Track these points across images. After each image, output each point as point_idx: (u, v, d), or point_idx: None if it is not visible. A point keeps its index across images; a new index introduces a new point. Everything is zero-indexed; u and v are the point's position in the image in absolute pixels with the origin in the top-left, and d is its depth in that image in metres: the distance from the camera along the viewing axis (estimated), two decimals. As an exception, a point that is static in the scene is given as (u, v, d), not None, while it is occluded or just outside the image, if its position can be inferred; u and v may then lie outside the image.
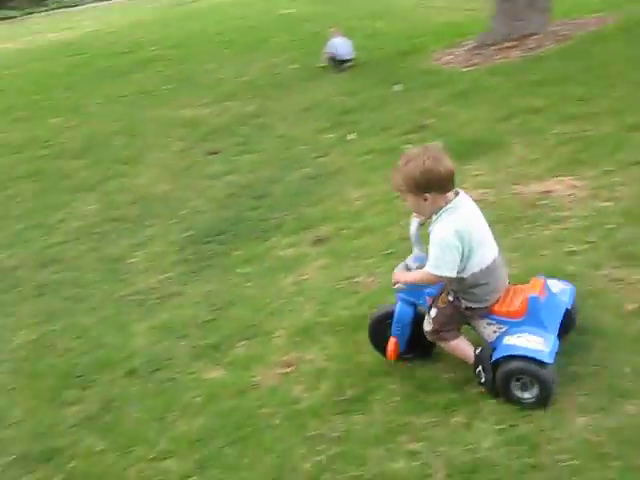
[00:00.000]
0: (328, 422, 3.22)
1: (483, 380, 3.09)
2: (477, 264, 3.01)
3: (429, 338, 3.25)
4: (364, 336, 3.59)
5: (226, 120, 9.06)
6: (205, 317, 4.43)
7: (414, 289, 3.27)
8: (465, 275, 3.03)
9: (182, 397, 3.68)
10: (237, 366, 3.83)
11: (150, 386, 3.85)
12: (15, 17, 37.67)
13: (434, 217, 3.02)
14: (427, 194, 2.96)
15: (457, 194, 3.03)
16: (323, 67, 10.49)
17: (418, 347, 3.41)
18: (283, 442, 3.17)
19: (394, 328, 3.37)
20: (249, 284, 4.77)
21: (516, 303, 3.06)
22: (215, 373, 3.83)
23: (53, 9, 39.16)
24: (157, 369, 3.99)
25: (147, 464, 3.30)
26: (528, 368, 2.94)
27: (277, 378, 3.65)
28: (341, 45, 10.35)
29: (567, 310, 3.21)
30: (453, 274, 2.98)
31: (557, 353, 2.97)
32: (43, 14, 37.20)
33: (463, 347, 3.18)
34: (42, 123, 10.47)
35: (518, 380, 2.99)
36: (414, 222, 3.25)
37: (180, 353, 4.09)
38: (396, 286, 3.29)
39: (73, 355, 4.33)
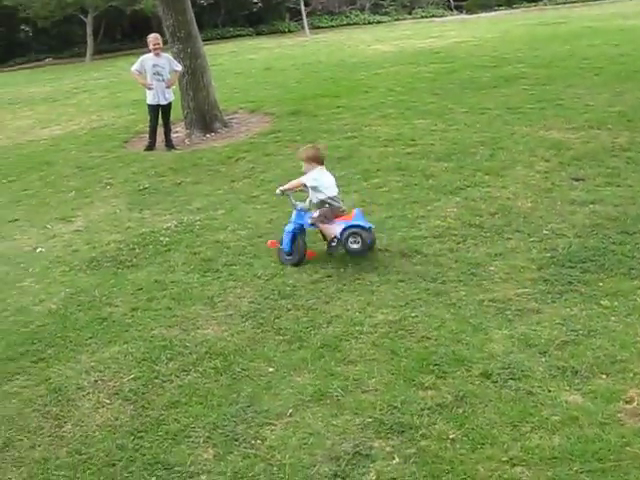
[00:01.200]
0: None
1: (333, 244, 6.10)
2: (328, 193, 6.09)
3: (312, 221, 6.15)
4: None
5: (594, 148, 8.79)
6: (565, 339, 4.38)
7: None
8: (324, 197, 6.09)
9: (539, 411, 3.71)
10: (599, 396, 3.76)
11: (505, 392, 3.93)
12: (384, 22, 40.17)
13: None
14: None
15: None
16: None
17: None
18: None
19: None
20: (613, 318, 4.63)
21: (349, 215, 6.01)
22: (574, 397, 3.80)
23: (420, 17, 41.05)
24: (513, 378, 4.06)
25: (498, 465, 3.39)
26: (358, 231, 5.86)
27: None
28: None
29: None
30: (309, 184, 6.11)
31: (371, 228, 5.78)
32: (409, 21, 39.17)
33: (330, 228, 6.05)
34: (409, 123, 11.04)
35: (354, 238, 5.87)
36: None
37: (538, 368, 4.11)
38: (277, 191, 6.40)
39: (431, 343, 4.56)
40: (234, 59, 21.83)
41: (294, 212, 6.28)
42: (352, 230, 5.90)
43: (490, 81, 14.08)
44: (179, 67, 11.29)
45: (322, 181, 6.19)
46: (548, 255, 5.80)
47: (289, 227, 6.21)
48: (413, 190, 7.80)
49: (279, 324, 5.07)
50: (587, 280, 5.25)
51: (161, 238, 7.18)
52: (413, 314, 4.97)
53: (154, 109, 11.23)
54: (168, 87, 11.17)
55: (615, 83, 12.95)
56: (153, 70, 11.04)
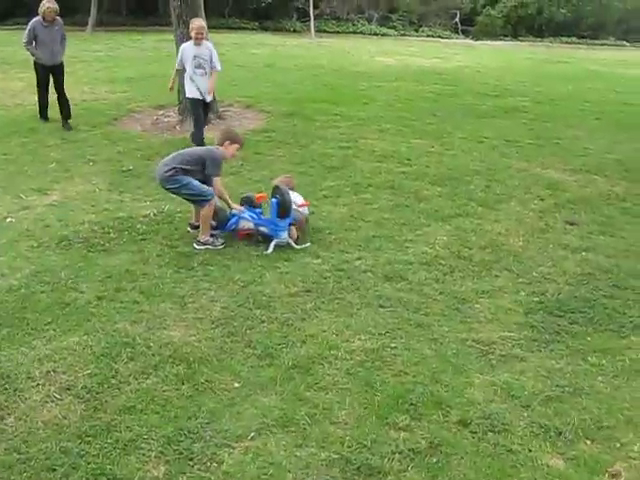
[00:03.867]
0: None
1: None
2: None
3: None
4: None
5: (590, 194, 8.65)
6: (549, 394, 4.16)
7: None
8: None
9: (517, 473, 3.49)
10: (582, 464, 3.53)
11: (483, 445, 3.70)
12: (390, 35, 40.03)
13: None
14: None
15: None
16: None
17: None
18: None
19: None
20: (600, 378, 4.42)
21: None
22: (556, 461, 3.58)
23: (426, 36, 40.97)
24: (492, 430, 3.83)
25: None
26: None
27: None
28: None
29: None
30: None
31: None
32: (415, 38, 39.06)
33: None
34: (406, 140, 10.84)
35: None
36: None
37: (519, 423, 3.89)
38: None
39: (408, 380, 4.32)
40: (236, 51, 21.48)
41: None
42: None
43: (491, 110, 13.95)
44: (219, 66, 9.78)
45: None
46: (536, 299, 5.60)
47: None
48: (404, 211, 7.58)
49: (250, 336, 4.80)
50: (575, 332, 5.04)
51: (138, 225, 6.87)
52: (392, 344, 4.72)
53: (196, 103, 9.70)
54: (210, 95, 9.72)
55: (615, 130, 12.87)
56: (195, 62, 9.52)
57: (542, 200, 8.24)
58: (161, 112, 12.41)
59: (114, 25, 30.41)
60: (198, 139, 9.51)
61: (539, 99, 15.62)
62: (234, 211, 6.58)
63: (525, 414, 3.96)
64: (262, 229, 6.52)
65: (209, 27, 12.08)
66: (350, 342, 4.75)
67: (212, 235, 6.44)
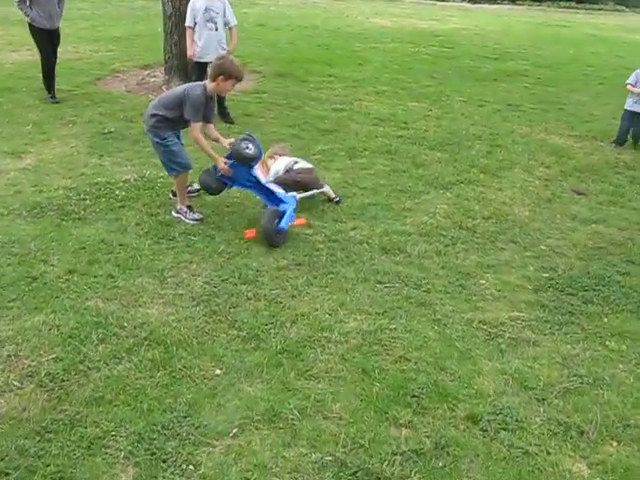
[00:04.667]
0: None
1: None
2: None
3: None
4: None
5: (597, 161, 8.18)
6: (567, 386, 3.74)
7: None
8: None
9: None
10: (609, 471, 3.11)
11: (496, 446, 3.28)
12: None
13: None
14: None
15: None
16: None
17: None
18: None
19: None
20: (622, 366, 4.01)
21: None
22: (579, 467, 3.17)
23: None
24: (505, 428, 3.41)
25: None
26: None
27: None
28: None
29: None
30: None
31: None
32: (410, 1, 38.13)
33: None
34: (402, 103, 10.33)
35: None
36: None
37: (535, 420, 3.47)
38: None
39: (410, 367, 3.89)
40: (227, 10, 20.73)
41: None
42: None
43: (491, 73, 13.41)
44: (235, 20, 8.96)
45: None
46: (546, 275, 5.16)
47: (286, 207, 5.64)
48: (401, 177, 7.10)
49: (235, 315, 4.35)
50: (590, 313, 4.61)
51: (117, 191, 6.38)
52: (392, 326, 4.28)
53: (200, 67, 8.82)
54: (230, 52, 8.41)
55: (619, 95, 12.26)
56: (205, 16, 8.63)
57: (547, 167, 7.78)
58: (147, 72, 11.82)
59: (101, -18, 29.39)
60: None
61: (540, 63, 15.06)
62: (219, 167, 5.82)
63: (541, 409, 3.54)
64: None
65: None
66: (345, 323, 4.31)
67: (189, 206, 5.87)
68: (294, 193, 5.87)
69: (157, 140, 5.71)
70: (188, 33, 8.84)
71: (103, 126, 8.54)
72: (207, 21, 8.70)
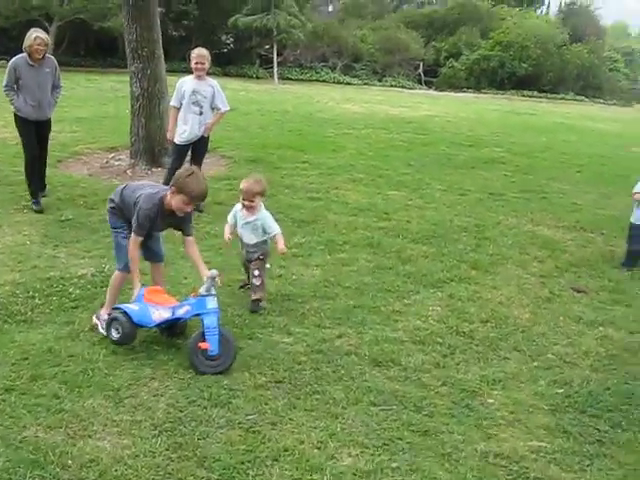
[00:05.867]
0: None
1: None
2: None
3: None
4: None
5: (591, 255, 7.71)
6: None
7: None
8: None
9: None
10: None
11: None
12: (353, 84, 39.66)
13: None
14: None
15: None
16: None
17: None
18: None
19: None
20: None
21: None
22: None
23: (390, 85, 40.73)
24: None
25: None
26: None
27: None
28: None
29: None
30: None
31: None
32: (378, 88, 38.71)
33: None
34: (381, 192, 9.87)
35: None
36: None
37: None
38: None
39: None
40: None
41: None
42: None
43: (468, 161, 13.14)
44: (226, 106, 8.40)
45: None
46: (561, 392, 4.53)
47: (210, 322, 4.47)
48: (387, 275, 6.50)
49: (205, 449, 3.61)
50: (622, 441, 3.96)
51: (71, 289, 5.67)
52: (393, 464, 3.57)
53: (180, 151, 8.31)
54: (205, 132, 8.29)
55: (600, 184, 12.13)
56: (192, 99, 8.08)
57: (541, 262, 7.25)
58: (112, 155, 11.28)
59: (71, 65, 29.27)
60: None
61: (515, 150, 14.90)
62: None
63: None
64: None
65: (169, 71, 11.03)
66: (337, 460, 3.59)
67: (110, 315, 4.83)
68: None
69: (110, 225, 5.07)
70: (172, 113, 8.31)
71: (61, 213, 7.89)
72: (192, 104, 8.12)
